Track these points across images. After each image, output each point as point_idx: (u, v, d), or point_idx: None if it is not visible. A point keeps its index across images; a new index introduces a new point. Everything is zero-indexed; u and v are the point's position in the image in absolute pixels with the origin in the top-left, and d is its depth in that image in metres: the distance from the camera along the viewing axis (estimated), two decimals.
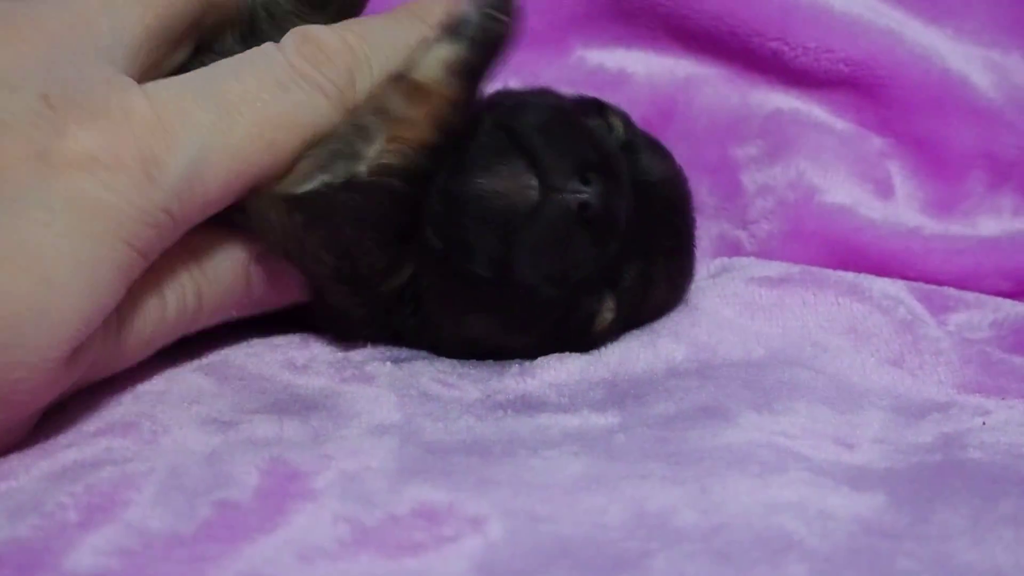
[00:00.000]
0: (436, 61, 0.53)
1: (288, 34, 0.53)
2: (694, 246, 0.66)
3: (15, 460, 0.46)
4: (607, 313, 0.60)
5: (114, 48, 0.50)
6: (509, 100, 0.61)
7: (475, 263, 0.55)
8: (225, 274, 0.55)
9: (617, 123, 0.62)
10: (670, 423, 0.51)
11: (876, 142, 0.80)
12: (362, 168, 0.53)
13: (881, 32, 0.79)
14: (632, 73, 0.82)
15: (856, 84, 0.80)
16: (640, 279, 0.60)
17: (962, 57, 0.79)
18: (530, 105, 0.59)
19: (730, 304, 0.66)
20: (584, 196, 0.54)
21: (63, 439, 0.47)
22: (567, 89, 0.80)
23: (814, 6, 0.79)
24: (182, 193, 0.48)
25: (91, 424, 0.49)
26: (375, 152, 0.53)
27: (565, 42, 0.83)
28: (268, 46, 0.53)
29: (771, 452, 0.47)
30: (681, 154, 0.67)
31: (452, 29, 0.54)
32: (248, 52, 0.53)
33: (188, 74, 0.52)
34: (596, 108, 0.63)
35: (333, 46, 0.53)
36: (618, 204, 0.56)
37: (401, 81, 0.54)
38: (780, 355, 0.60)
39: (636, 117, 0.80)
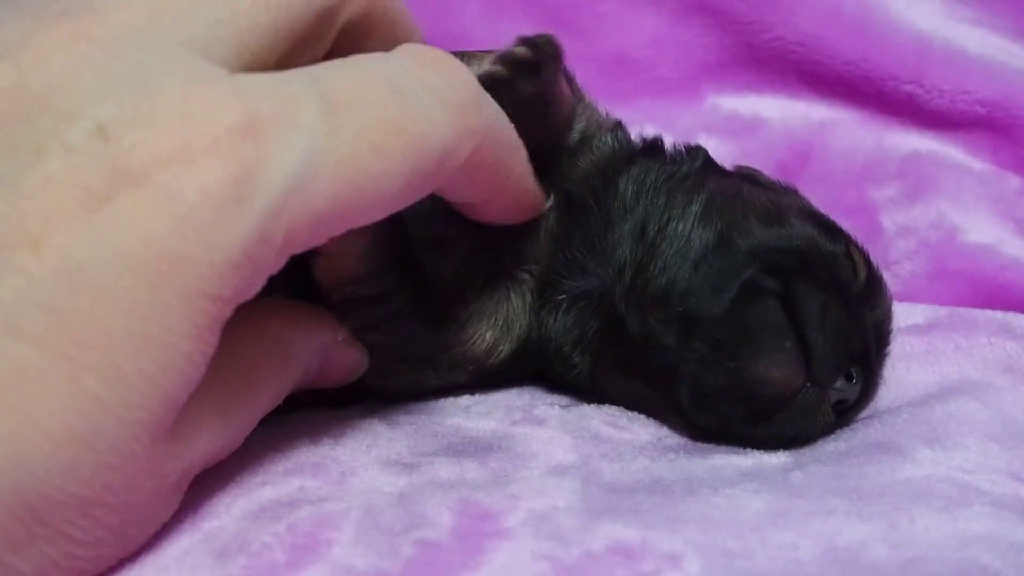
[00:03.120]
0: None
1: (401, 47, 0.46)
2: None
3: (215, 498, 0.46)
4: None
5: (209, 39, 0.41)
6: (778, 236, 0.58)
7: (711, 420, 0.56)
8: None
9: (859, 258, 0.60)
10: (844, 459, 0.51)
11: (1015, 182, 0.80)
12: None
13: (1016, 73, 0.80)
14: (767, 119, 0.83)
15: (992, 125, 0.80)
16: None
17: None
18: (809, 279, 0.55)
19: None
20: (844, 394, 0.55)
21: (256, 478, 0.48)
22: (704, 136, 0.82)
23: (948, 49, 0.80)
24: (282, 213, 0.39)
25: (279, 464, 0.49)
26: None
27: (698, 90, 0.85)
28: (379, 53, 0.45)
29: (952, 487, 0.47)
30: (819, 197, 0.68)
31: None
32: (355, 56, 0.45)
33: (286, 71, 0.42)
34: (842, 237, 0.61)
35: (453, 61, 0.46)
36: (870, 396, 0.57)
37: None
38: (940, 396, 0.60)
39: (773, 161, 0.82)
